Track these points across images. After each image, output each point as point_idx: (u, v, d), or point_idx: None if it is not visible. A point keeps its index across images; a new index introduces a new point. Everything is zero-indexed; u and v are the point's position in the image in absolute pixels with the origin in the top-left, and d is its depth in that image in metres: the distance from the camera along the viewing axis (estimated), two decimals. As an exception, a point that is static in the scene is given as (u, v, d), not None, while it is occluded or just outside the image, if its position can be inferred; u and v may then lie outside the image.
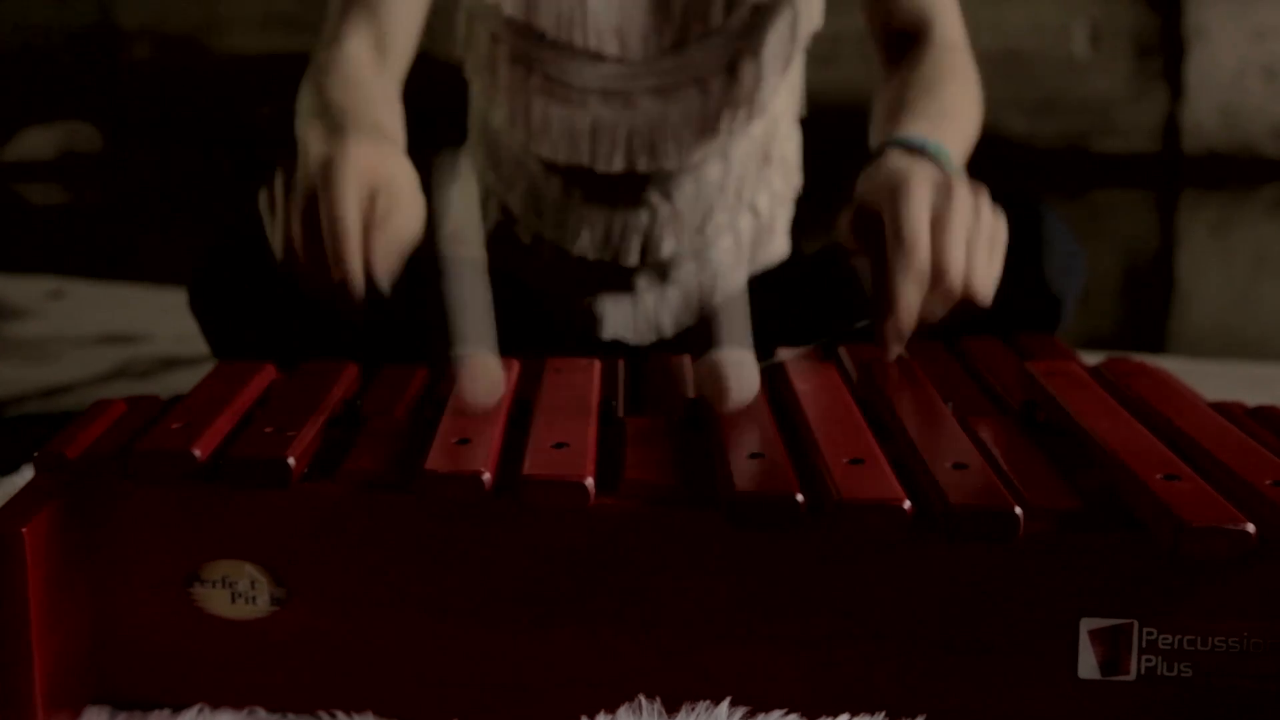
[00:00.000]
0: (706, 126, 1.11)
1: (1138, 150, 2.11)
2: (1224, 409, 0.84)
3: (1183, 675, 0.69)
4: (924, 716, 0.70)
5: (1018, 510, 0.66)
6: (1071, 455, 0.76)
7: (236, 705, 0.73)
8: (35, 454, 0.72)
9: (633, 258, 1.14)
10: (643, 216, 1.13)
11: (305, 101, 1.05)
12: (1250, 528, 0.65)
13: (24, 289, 2.13)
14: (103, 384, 1.59)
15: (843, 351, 0.95)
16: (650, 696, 0.71)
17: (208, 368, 0.89)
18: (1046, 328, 1.05)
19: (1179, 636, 0.68)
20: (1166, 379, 0.88)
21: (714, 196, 1.14)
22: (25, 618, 0.67)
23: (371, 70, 1.07)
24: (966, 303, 0.88)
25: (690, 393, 0.86)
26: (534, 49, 1.10)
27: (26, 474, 1.07)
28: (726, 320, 0.83)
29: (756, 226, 1.18)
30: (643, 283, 1.16)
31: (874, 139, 1.05)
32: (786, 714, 0.71)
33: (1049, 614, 0.69)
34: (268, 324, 1.08)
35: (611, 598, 0.71)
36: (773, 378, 0.88)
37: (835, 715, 0.70)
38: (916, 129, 0.98)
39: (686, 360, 0.94)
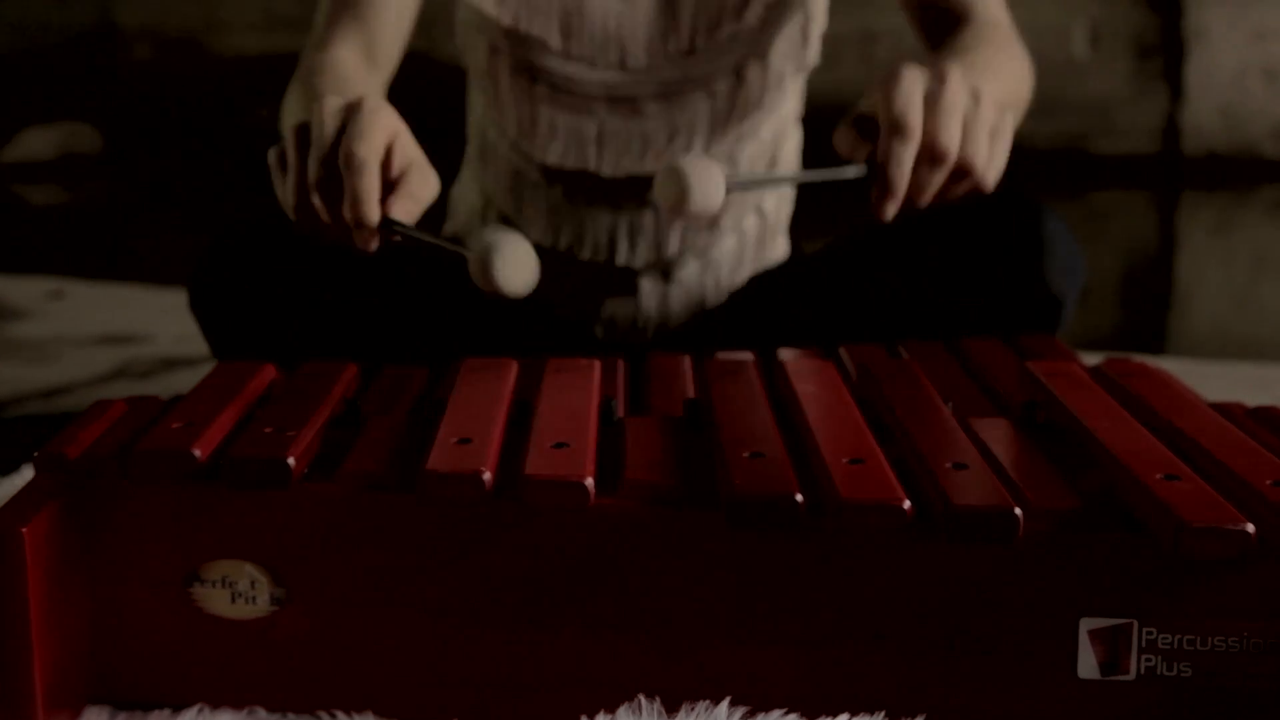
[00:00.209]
0: (714, 130, 1.11)
1: (1138, 151, 2.11)
2: (1224, 409, 0.84)
3: (1182, 675, 0.69)
4: (924, 716, 0.70)
5: (1018, 510, 0.66)
6: (1071, 455, 0.76)
7: (236, 705, 0.73)
8: (35, 454, 0.72)
9: (636, 259, 1.14)
10: (647, 218, 1.13)
11: (294, 103, 1.05)
12: (1250, 528, 0.65)
13: (24, 289, 2.13)
14: (103, 384, 1.59)
15: (843, 352, 0.95)
16: (650, 696, 0.71)
17: (208, 368, 0.89)
18: (1047, 328, 1.05)
19: (1179, 636, 0.68)
20: (1166, 379, 0.88)
21: None
22: (25, 617, 0.67)
23: (361, 73, 1.08)
24: (969, 181, 0.87)
25: (691, 393, 0.86)
26: (535, 58, 1.10)
27: (26, 474, 1.08)
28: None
29: (761, 227, 1.18)
30: (646, 283, 1.16)
31: None
32: (786, 714, 0.71)
33: (1049, 614, 0.69)
34: (268, 324, 1.08)
35: (611, 598, 0.71)
36: (773, 377, 0.88)
37: (835, 715, 0.70)
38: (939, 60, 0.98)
39: (686, 360, 0.94)
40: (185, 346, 1.70)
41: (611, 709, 0.71)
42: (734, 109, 1.11)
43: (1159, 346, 2.03)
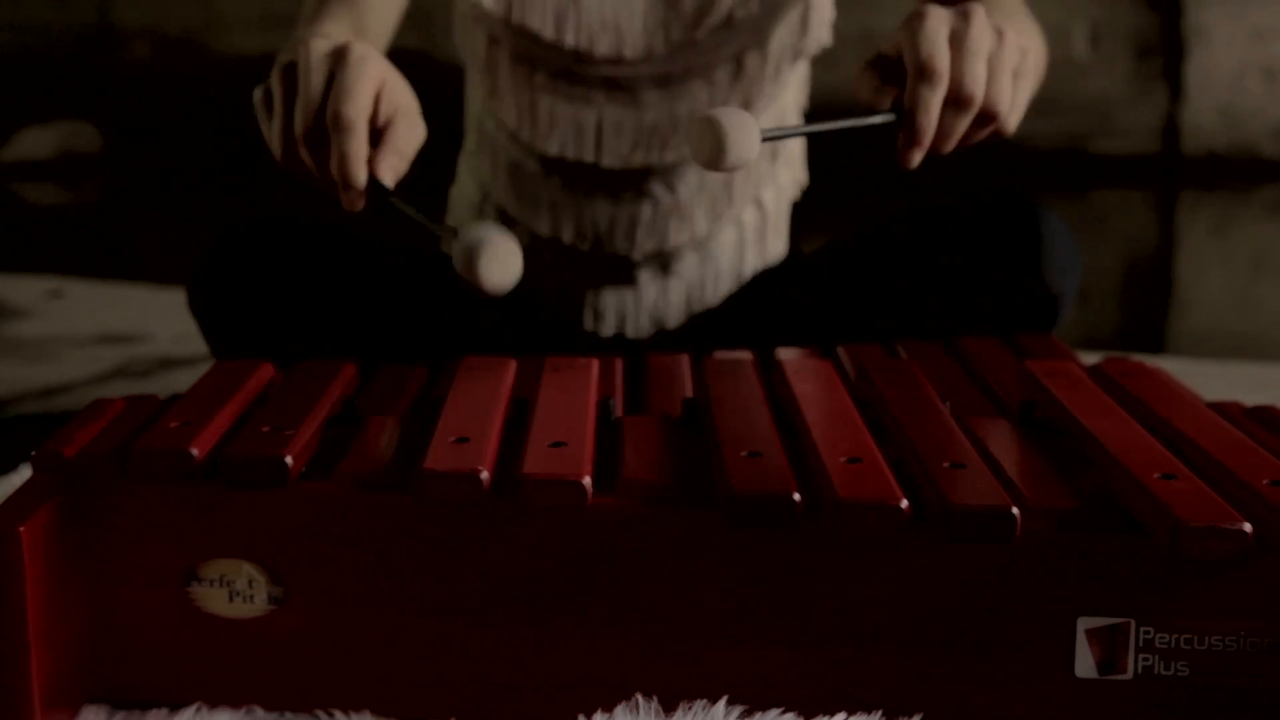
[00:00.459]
0: None
1: (1137, 151, 2.11)
2: (1222, 409, 0.84)
3: (1179, 674, 0.69)
4: (921, 715, 0.70)
5: (1015, 510, 0.66)
6: (1069, 455, 0.76)
7: (234, 704, 0.73)
8: (33, 453, 0.72)
9: (635, 251, 1.14)
10: (646, 209, 1.13)
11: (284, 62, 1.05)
12: (1247, 527, 0.65)
13: (23, 289, 2.13)
14: (102, 383, 1.59)
15: (841, 351, 0.95)
16: (647, 695, 0.71)
17: (206, 367, 0.89)
18: (1044, 327, 1.05)
19: (1176, 636, 0.68)
20: (1164, 379, 0.88)
21: (718, 189, 1.14)
22: (23, 617, 0.67)
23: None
24: (991, 125, 0.86)
25: (689, 392, 0.86)
26: (533, 48, 1.10)
27: (25, 473, 1.07)
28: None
29: (761, 220, 1.18)
30: (645, 276, 1.16)
31: None
32: (783, 713, 0.71)
33: (1046, 613, 0.69)
34: (266, 324, 1.08)
35: (609, 597, 0.71)
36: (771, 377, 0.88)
37: (832, 714, 0.70)
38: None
39: (685, 359, 0.94)
40: (184, 346, 1.70)
41: (609, 708, 0.71)
42: (734, 98, 1.10)
43: (1158, 346, 2.03)
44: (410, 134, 0.88)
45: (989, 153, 0.94)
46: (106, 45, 2.40)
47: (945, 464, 0.71)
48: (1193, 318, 2.08)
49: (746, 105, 1.11)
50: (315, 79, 0.85)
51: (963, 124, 0.85)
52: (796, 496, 0.67)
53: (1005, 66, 0.86)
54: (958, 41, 0.85)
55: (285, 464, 0.70)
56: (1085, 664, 0.69)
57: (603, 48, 1.09)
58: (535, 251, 1.16)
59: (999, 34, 0.86)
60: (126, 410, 0.79)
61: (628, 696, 0.71)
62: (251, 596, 0.72)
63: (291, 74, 0.87)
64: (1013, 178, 0.94)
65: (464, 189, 1.23)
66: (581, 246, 1.15)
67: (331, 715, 0.73)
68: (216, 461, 0.71)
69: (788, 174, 1.20)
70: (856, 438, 0.74)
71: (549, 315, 1.17)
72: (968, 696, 0.70)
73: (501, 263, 0.81)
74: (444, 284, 1.14)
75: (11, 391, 1.54)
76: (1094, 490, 0.71)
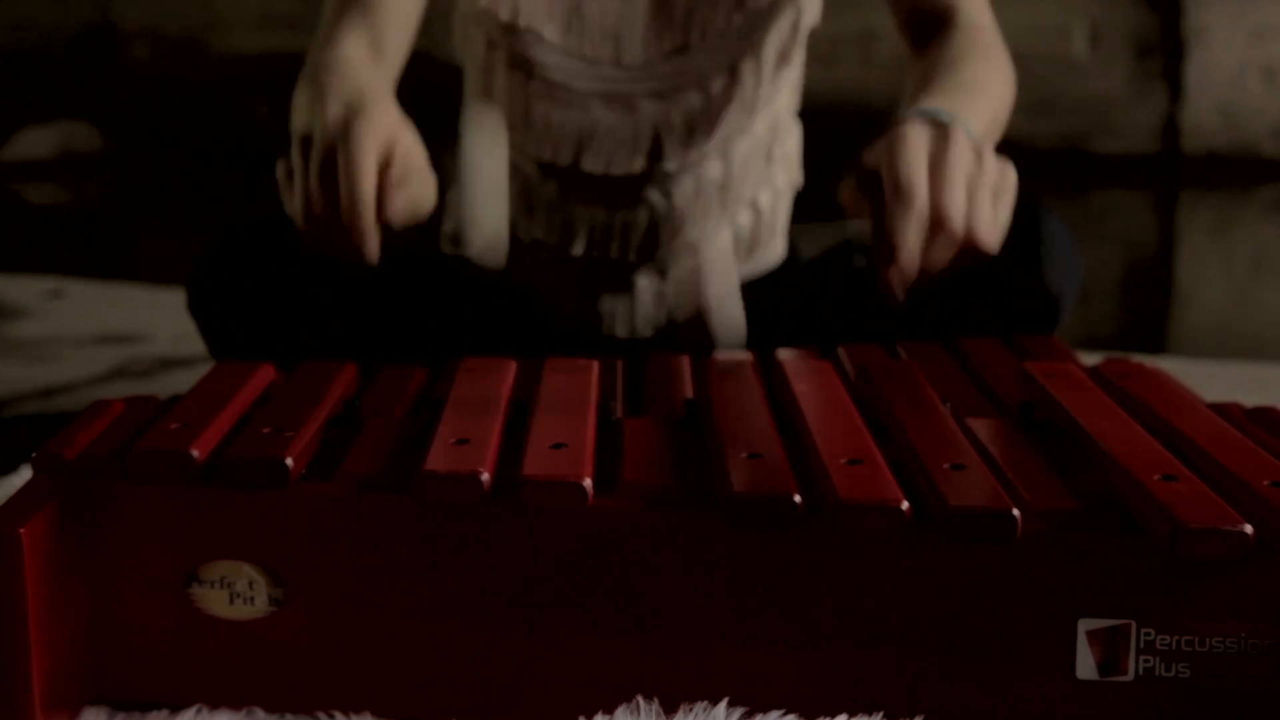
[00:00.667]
0: (708, 126, 1.11)
1: (1137, 150, 2.11)
2: (1222, 410, 0.84)
3: (1180, 676, 0.69)
4: (922, 717, 0.70)
5: (1015, 511, 0.66)
6: (1069, 456, 0.76)
7: (235, 706, 0.73)
8: (33, 454, 0.72)
9: (631, 256, 1.14)
10: (642, 215, 1.13)
11: (303, 100, 1.05)
12: (1248, 529, 0.65)
13: (23, 288, 2.13)
14: (101, 384, 1.59)
15: (841, 352, 0.95)
16: (648, 697, 0.71)
17: (206, 368, 0.89)
18: (1045, 328, 1.05)
19: (1177, 637, 0.68)
20: (1164, 380, 0.88)
21: (714, 194, 1.14)
22: (23, 618, 0.67)
23: (370, 68, 1.08)
24: (972, 250, 0.87)
25: (690, 393, 0.86)
26: (532, 54, 1.10)
27: (24, 474, 1.07)
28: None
29: (757, 223, 1.18)
30: (641, 280, 1.16)
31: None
32: (784, 714, 0.71)
33: (1047, 615, 0.69)
34: (266, 324, 1.08)
35: (609, 598, 0.71)
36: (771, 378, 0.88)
37: (833, 716, 0.70)
38: (934, 102, 0.98)
39: (685, 360, 0.94)
40: (184, 346, 1.70)
41: (610, 709, 0.71)
42: (728, 105, 1.11)
43: (1158, 346, 2.03)
44: (422, 195, 0.89)
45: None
46: (106, 45, 2.40)
47: (945, 465, 0.71)
48: (1193, 318, 2.08)
49: (740, 112, 1.11)
50: (330, 130, 0.86)
51: (943, 252, 0.86)
52: (797, 498, 0.67)
53: (985, 189, 0.86)
54: (936, 167, 0.85)
55: (286, 465, 0.70)
56: (1086, 665, 0.69)
57: (604, 55, 1.09)
58: (532, 256, 1.16)
59: (977, 154, 0.86)
60: (127, 411, 0.79)
61: (628, 698, 0.71)
62: (252, 598, 0.72)
63: (307, 148, 0.88)
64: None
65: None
66: (576, 251, 1.15)
67: (332, 717, 0.73)
68: (217, 463, 0.71)
69: (784, 176, 1.20)
70: (857, 439, 0.74)
71: (547, 319, 1.17)
72: (968, 698, 0.70)
73: (492, 238, 0.81)
74: (442, 285, 1.14)
75: (11, 392, 1.54)
76: (1094, 491, 0.71)
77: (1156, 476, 0.69)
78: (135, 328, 1.88)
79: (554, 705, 0.71)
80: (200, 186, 2.36)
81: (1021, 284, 1.04)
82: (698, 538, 0.70)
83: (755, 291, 1.17)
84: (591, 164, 1.11)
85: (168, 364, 1.68)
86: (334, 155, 0.87)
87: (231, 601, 0.72)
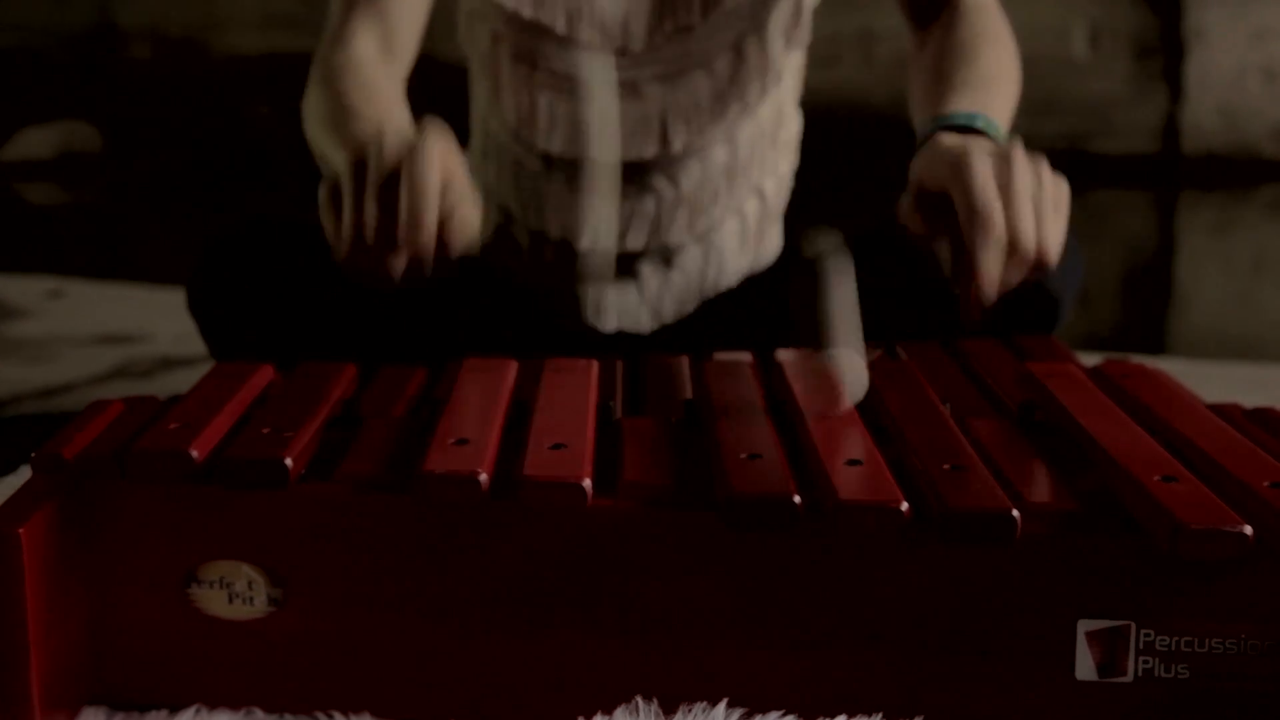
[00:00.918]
0: (714, 109, 1.11)
1: (1137, 151, 2.11)
2: (1222, 411, 0.84)
3: (1180, 677, 0.69)
4: (921, 718, 0.70)
5: (1015, 512, 0.66)
6: (1069, 457, 0.76)
7: (233, 706, 0.73)
8: (32, 454, 0.72)
9: (637, 244, 1.14)
10: (648, 203, 1.13)
11: (316, 105, 1.05)
12: (1247, 529, 0.65)
13: (23, 288, 2.12)
14: (101, 384, 1.59)
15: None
16: (647, 698, 0.71)
17: (206, 368, 0.89)
18: (1044, 328, 1.05)
19: (1176, 638, 0.68)
20: (1164, 380, 0.88)
21: (720, 180, 1.14)
22: (22, 618, 0.67)
23: (382, 72, 1.07)
24: (1040, 268, 0.87)
25: (689, 394, 0.86)
26: (537, 45, 1.10)
27: (24, 474, 1.07)
28: (836, 316, 0.82)
29: (762, 210, 1.18)
30: (646, 269, 1.16)
31: (916, 112, 1.04)
32: (783, 715, 0.70)
33: (1046, 615, 0.69)
34: (266, 324, 1.08)
35: (609, 599, 0.71)
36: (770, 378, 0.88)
37: (832, 716, 0.70)
38: (962, 104, 0.97)
39: (684, 361, 0.94)
40: (184, 346, 1.70)
41: (609, 710, 0.71)
42: (733, 87, 1.10)
43: (1158, 346, 2.03)
44: (470, 223, 0.89)
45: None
46: (106, 45, 2.40)
47: (945, 466, 0.71)
48: (1193, 318, 2.08)
49: (745, 94, 1.11)
50: (389, 156, 0.86)
51: (1015, 274, 0.86)
52: (797, 498, 0.67)
53: (1048, 206, 0.86)
54: (1006, 193, 0.85)
55: (285, 466, 0.70)
56: (1085, 666, 0.69)
57: (613, 43, 1.09)
58: (537, 249, 1.16)
59: (1037, 173, 0.87)
60: (126, 411, 0.79)
61: (628, 698, 0.71)
62: (251, 598, 0.72)
63: (362, 171, 0.87)
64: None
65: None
66: (584, 244, 1.14)
67: (331, 717, 0.73)
68: (216, 463, 0.71)
69: (786, 162, 1.20)
70: (856, 439, 0.74)
71: (549, 312, 1.16)
72: (968, 699, 0.70)
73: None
74: (442, 284, 1.14)
75: (11, 392, 1.54)
76: (1094, 492, 0.71)
77: (1156, 477, 0.69)
78: (135, 328, 1.88)
79: (553, 705, 0.71)
80: (200, 186, 2.36)
81: (1021, 285, 1.04)
82: (697, 538, 0.70)
83: (755, 289, 1.17)
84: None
85: (168, 364, 1.68)
86: (394, 180, 0.86)
87: (230, 601, 0.72)
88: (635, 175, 1.12)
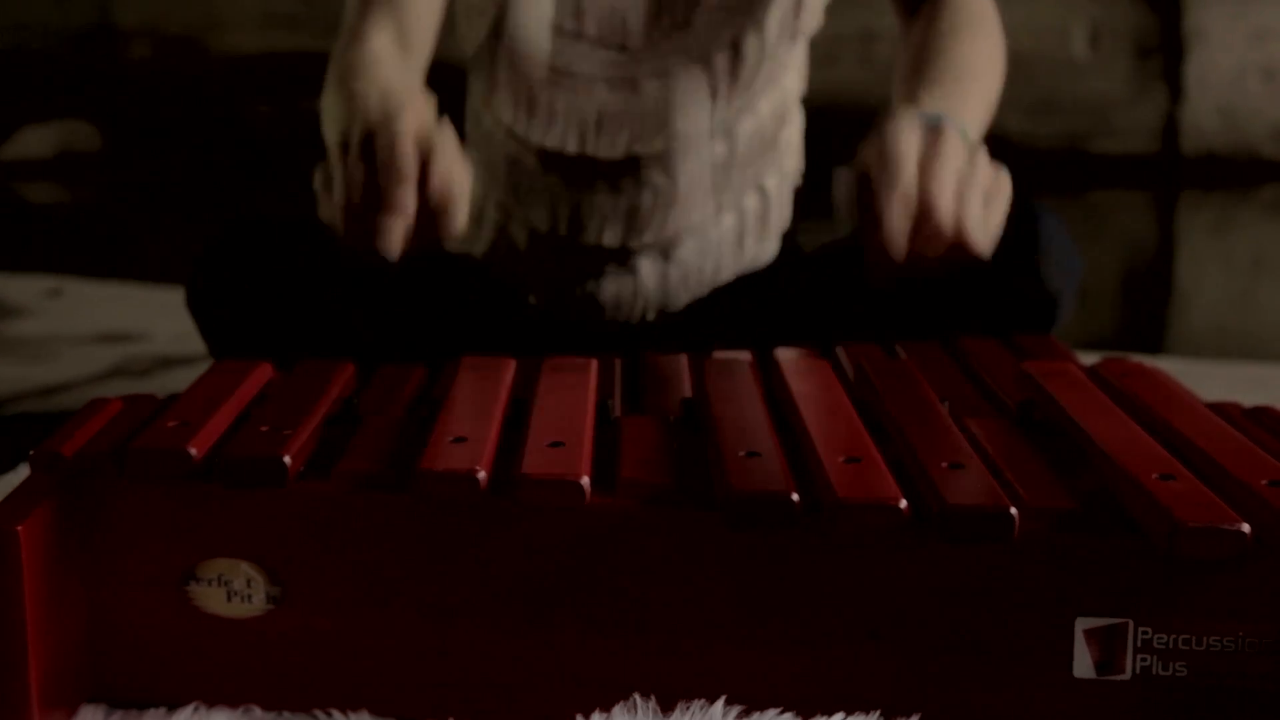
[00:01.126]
0: (713, 105, 1.11)
1: (1137, 151, 2.11)
2: (1221, 409, 0.84)
3: (1178, 675, 0.69)
4: (919, 716, 0.70)
5: (1013, 510, 0.66)
6: (1068, 455, 0.76)
7: (232, 704, 0.73)
8: (31, 452, 0.72)
9: (636, 239, 1.14)
10: (647, 197, 1.13)
11: (333, 107, 1.05)
12: (1246, 528, 0.65)
13: (22, 287, 2.13)
14: (100, 382, 1.59)
15: (839, 351, 0.95)
16: (645, 695, 0.71)
17: (205, 367, 0.89)
18: (1043, 328, 1.05)
19: (1174, 636, 0.68)
20: (1163, 379, 0.88)
21: (719, 175, 1.14)
22: (20, 616, 0.67)
23: (399, 68, 1.07)
24: (961, 250, 0.87)
25: (688, 392, 0.86)
26: (533, 41, 1.10)
27: (23, 473, 1.07)
28: None
29: (763, 206, 1.18)
30: (645, 263, 1.16)
31: (894, 103, 1.05)
32: (781, 713, 0.71)
33: (1044, 613, 0.69)
34: (265, 323, 1.08)
35: (607, 597, 0.71)
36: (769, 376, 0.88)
37: (830, 714, 0.70)
38: (932, 101, 0.97)
39: (683, 359, 0.94)
40: (183, 345, 1.70)
41: (607, 708, 0.71)
42: (732, 82, 1.10)
43: (1157, 346, 2.03)
44: (457, 179, 0.89)
45: (989, 153, 0.95)
46: (106, 45, 2.40)
47: (944, 464, 0.71)
48: (1192, 318, 2.08)
49: (744, 89, 1.11)
50: (372, 113, 0.86)
51: (931, 245, 0.86)
52: (795, 496, 0.67)
53: (975, 189, 0.86)
54: (927, 159, 0.85)
55: (283, 464, 0.70)
56: (1083, 664, 0.69)
57: (612, 38, 1.09)
58: (534, 245, 1.16)
59: (970, 155, 0.86)
60: (124, 409, 0.79)
61: (625, 696, 0.71)
62: (249, 596, 0.72)
63: (347, 151, 0.88)
64: (1011, 178, 0.94)
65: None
66: (581, 238, 1.14)
67: (330, 715, 0.73)
68: (214, 461, 0.71)
69: (790, 160, 1.20)
70: (855, 438, 0.74)
71: (546, 307, 1.16)
72: (966, 697, 0.70)
73: None
74: (442, 283, 1.14)
75: (10, 390, 1.54)
76: (1092, 491, 0.71)
77: (1155, 476, 0.69)
78: (134, 327, 1.88)
79: (551, 703, 0.71)
80: (200, 186, 2.36)
81: (1019, 283, 1.04)
82: (695, 536, 0.70)
83: (754, 288, 1.17)
84: (596, 149, 1.11)
85: (167, 363, 1.68)
86: (372, 140, 0.87)
87: (229, 599, 0.72)
88: (632, 170, 1.12)
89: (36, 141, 2.41)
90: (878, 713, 0.70)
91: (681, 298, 1.17)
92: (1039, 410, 0.83)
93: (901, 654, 0.70)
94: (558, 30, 1.10)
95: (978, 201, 0.87)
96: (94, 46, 2.40)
